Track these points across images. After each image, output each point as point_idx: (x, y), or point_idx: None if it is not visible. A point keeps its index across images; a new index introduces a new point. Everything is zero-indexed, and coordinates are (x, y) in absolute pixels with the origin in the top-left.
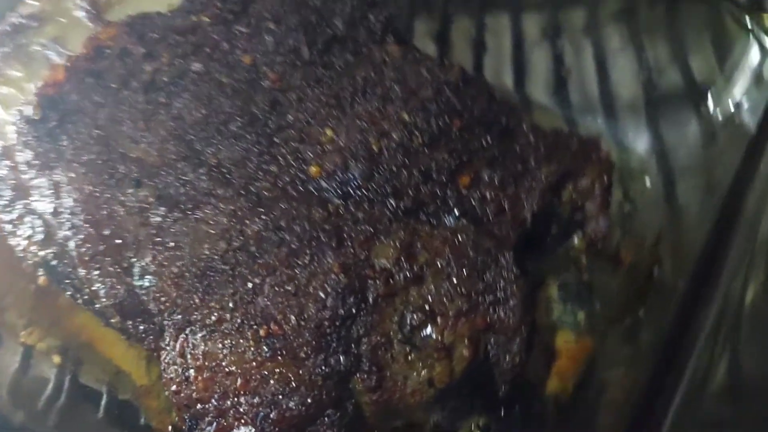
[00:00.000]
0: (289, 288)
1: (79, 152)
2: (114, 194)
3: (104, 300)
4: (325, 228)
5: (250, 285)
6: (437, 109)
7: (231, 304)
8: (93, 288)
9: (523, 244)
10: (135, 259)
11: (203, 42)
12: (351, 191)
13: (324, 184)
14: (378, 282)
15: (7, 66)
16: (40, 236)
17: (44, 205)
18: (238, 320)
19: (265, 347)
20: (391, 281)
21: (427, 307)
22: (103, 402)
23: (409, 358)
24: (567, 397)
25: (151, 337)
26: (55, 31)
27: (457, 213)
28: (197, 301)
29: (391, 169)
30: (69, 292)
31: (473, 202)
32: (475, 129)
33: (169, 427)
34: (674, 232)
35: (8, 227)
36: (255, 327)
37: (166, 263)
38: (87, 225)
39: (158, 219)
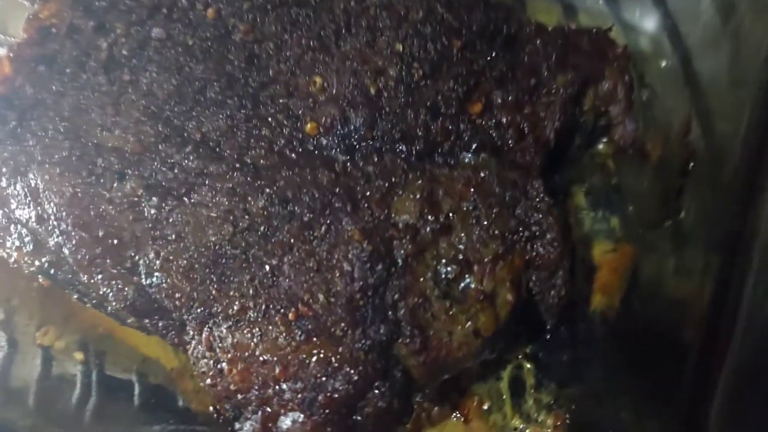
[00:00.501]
0: (311, 264)
1: (49, 151)
2: (98, 192)
3: (114, 303)
4: (335, 191)
5: (267, 267)
6: (432, 32)
7: (251, 291)
8: (100, 292)
9: (547, 164)
10: (137, 258)
11: (158, 2)
12: (355, 144)
13: (324, 141)
14: (404, 241)
15: None
16: (29, 246)
17: (25, 213)
18: (263, 306)
19: (297, 330)
20: (418, 237)
21: (460, 257)
22: (136, 391)
23: (451, 312)
24: (614, 312)
25: (173, 332)
26: None
27: (474, 147)
28: (214, 292)
29: (395, 111)
30: (75, 296)
31: (490, 131)
32: (476, 45)
33: (210, 408)
34: (704, 119)
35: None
36: (282, 311)
37: (171, 257)
38: (77, 229)
39: (152, 211)
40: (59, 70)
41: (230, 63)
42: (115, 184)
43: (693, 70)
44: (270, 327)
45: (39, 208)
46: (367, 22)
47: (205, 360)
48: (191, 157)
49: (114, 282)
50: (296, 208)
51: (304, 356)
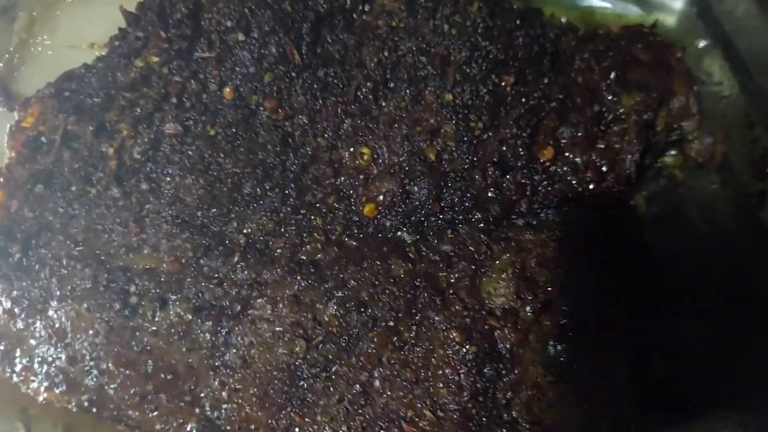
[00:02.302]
0: (407, 375)
1: (67, 282)
2: (138, 324)
3: None
4: (416, 284)
5: (357, 385)
6: (480, 72)
7: (343, 414)
8: (157, 427)
9: None
10: (198, 390)
11: (164, 91)
12: (422, 220)
13: (386, 222)
14: (506, 330)
15: None
16: (62, 386)
17: (52, 353)
18: (360, 430)
19: None
20: (519, 321)
21: (570, 334)
22: None
23: (567, 395)
24: None
25: None
26: None
27: (554, 199)
28: (297, 419)
29: (460, 174)
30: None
31: (567, 178)
32: (526, 75)
33: None
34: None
35: (15, 378)
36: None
37: (239, 386)
38: (120, 368)
39: (208, 337)
40: (61, 188)
41: (262, 148)
42: (157, 313)
43: (735, 50)
44: None
45: (69, 348)
46: (407, 74)
47: None
48: (240, 267)
49: (172, 417)
50: (376, 311)
51: None
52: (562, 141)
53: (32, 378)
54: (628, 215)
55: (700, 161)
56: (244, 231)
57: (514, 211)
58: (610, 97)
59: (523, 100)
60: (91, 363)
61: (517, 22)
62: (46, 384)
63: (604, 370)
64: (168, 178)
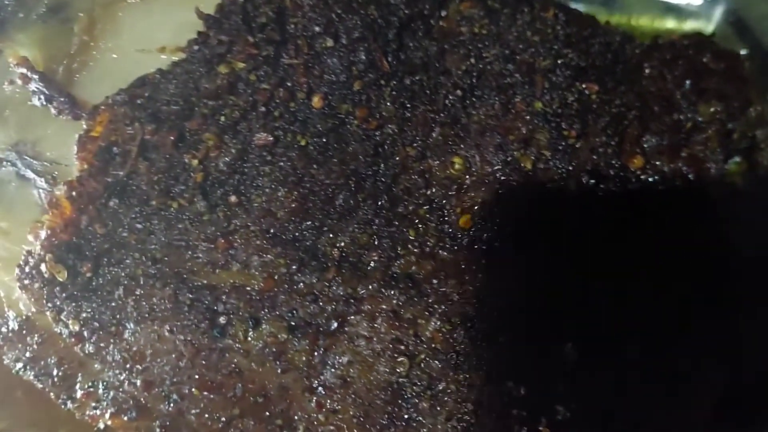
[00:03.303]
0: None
1: (144, 302)
2: (227, 344)
3: None
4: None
5: (468, 404)
6: (565, 79)
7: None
8: None
9: None
10: (292, 413)
11: (251, 99)
12: (518, 232)
13: (482, 234)
14: None
15: None
16: (131, 413)
17: (124, 379)
18: None
19: None
20: None
21: None
22: None
23: None
24: None
25: None
26: (12, 132)
27: (648, 211)
28: None
29: (558, 184)
30: None
31: (659, 187)
32: (606, 82)
33: None
34: None
35: (69, 405)
36: None
37: (339, 407)
38: (205, 392)
39: (303, 357)
40: (139, 202)
41: (354, 159)
42: (250, 332)
43: None
44: None
45: (147, 373)
46: (493, 80)
47: None
48: (335, 282)
49: None
50: (484, 326)
51: None
52: (648, 149)
53: (94, 404)
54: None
55: None
56: (338, 245)
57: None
58: (686, 106)
59: (607, 108)
60: (171, 388)
61: (590, 30)
62: (112, 410)
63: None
64: (258, 191)
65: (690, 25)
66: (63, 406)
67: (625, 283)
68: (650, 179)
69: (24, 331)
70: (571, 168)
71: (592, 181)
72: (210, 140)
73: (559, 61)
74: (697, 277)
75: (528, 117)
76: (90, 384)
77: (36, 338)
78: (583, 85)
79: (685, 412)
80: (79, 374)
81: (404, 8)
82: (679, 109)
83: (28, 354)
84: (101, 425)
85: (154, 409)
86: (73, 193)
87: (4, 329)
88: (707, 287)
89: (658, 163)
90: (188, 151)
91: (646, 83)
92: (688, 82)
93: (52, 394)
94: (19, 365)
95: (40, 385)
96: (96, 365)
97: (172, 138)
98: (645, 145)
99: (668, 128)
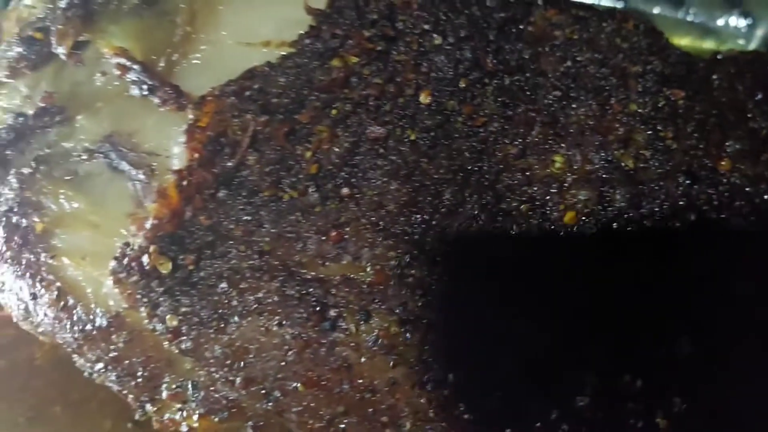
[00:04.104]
0: None
1: (249, 296)
2: (338, 338)
3: None
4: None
5: (586, 398)
6: (654, 84)
7: None
8: None
9: None
10: (398, 410)
11: (363, 92)
12: (622, 227)
13: (584, 231)
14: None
15: (52, 197)
16: (223, 414)
17: (220, 376)
18: None
19: None
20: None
21: None
22: None
23: None
24: None
25: None
26: (105, 124)
27: (743, 211)
28: None
29: (657, 183)
30: None
31: (746, 189)
32: (686, 88)
33: None
34: None
35: (149, 407)
36: None
37: (449, 403)
38: (309, 388)
39: (413, 352)
40: (248, 193)
41: (460, 154)
42: (361, 326)
43: None
44: None
45: (249, 369)
46: (588, 82)
47: None
48: (444, 279)
49: None
50: (597, 318)
51: None
52: (731, 154)
53: (179, 406)
54: None
55: None
56: (447, 240)
57: (705, 220)
58: (760, 115)
59: (691, 113)
60: (275, 384)
61: (666, 41)
62: (200, 411)
63: None
64: (370, 184)
65: (729, 47)
66: (140, 411)
67: (730, 281)
68: (737, 182)
69: (111, 329)
70: (668, 168)
71: (688, 181)
72: (323, 133)
73: (647, 67)
74: None
75: (625, 118)
76: (178, 384)
77: (123, 336)
78: (669, 91)
79: None
80: (167, 374)
81: (500, 11)
82: (753, 118)
83: (112, 353)
84: (183, 429)
85: (249, 409)
86: (184, 183)
87: (88, 327)
88: None
89: (743, 166)
90: (300, 143)
91: (717, 94)
92: (759, 93)
93: (130, 396)
94: (100, 365)
95: (118, 388)
96: (186, 365)
97: (284, 130)
98: (728, 150)
99: (746, 135)
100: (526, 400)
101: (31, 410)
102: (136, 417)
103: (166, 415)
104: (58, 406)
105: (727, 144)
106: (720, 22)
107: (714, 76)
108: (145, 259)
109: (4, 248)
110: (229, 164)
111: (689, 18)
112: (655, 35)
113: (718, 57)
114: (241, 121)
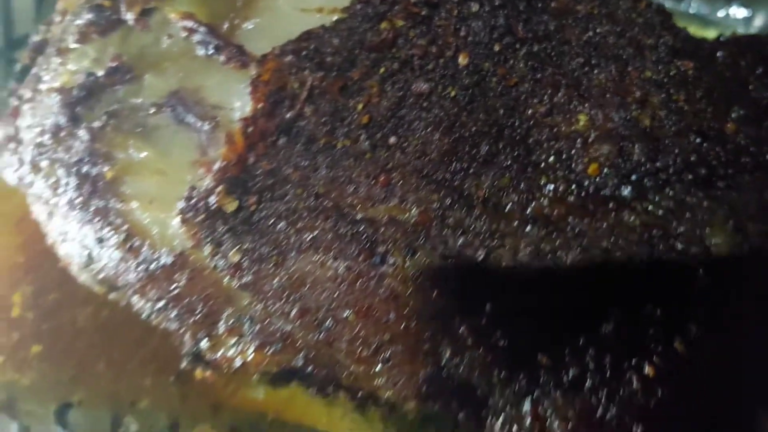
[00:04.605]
0: None
1: (306, 234)
2: (386, 271)
3: (394, 394)
4: (652, 233)
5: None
6: (666, 55)
7: (589, 355)
8: (375, 383)
9: None
10: (440, 337)
11: (409, 52)
12: (641, 179)
13: (606, 181)
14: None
15: (121, 148)
16: (277, 346)
17: (278, 307)
18: (606, 371)
19: (657, 387)
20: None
21: None
22: None
23: None
24: None
25: (469, 409)
26: (171, 82)
27: (747, 166)
28: (545, 361)
29: (671, 139)
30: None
31: (751, 149)
32: (694, 62)
33: None
34: None
35: (206, 343)
36: (634, 366)
37: (487, 331)
38: (358, 317)
39: (454, 283)
40: (306, 141)
41: (494, 111)
42: (407, 260)
43: None
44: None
45: (304, 300)
46: (607, 51)
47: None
48: (481, 219)
49: (403, 369)
50: (620, 257)
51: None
52: (736, 119)
53: (234, 340)
54: None
55: None
56: (482, 186)
57: (717, 175)
58: (761, 87)
59: (699, 82)
60: (327, 314)
61: (673, 22)
62: (255, 344)
63: None
64: (415, 134)
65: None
66: (193, 349)
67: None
68: (742, 142)
69: (175, 267)
70: (681, 127)
71: (698, 140)
72: (373, 87)
73: (660, 41)
74: None
75: (641, 83)
76: (235, 319)
77: (186, 274)
78: (680, 62)
79: None
80: (225, 310)
81: None
82: (755, 89)
83: (174, 291)
84: (237, 363)
85: (302, 340)
86: (249, 129)
87: (153, 265)
88: None
89: (746, 129)
90: (352, 96)
91: (721, 68)
92: (760, 68)
93: (187, 334)
94: (161, 304)
95: (177, 326)
96: (244, 300)
97: (338, 85)
98: (733, 115)
99: (749, 103)
100: (556, 328)
101: (74, 368)
102: (183, 364)
103: (220, 352)
104: (100, 364)
105: (732, 110)
106: (720, 13)
107: (718, 53)
108: (212, 198)
109: (75, 196)
110: (289, 115)
111: (691, 10)
112: (665, 14)
113: (721, 39)
114: (299, 77)
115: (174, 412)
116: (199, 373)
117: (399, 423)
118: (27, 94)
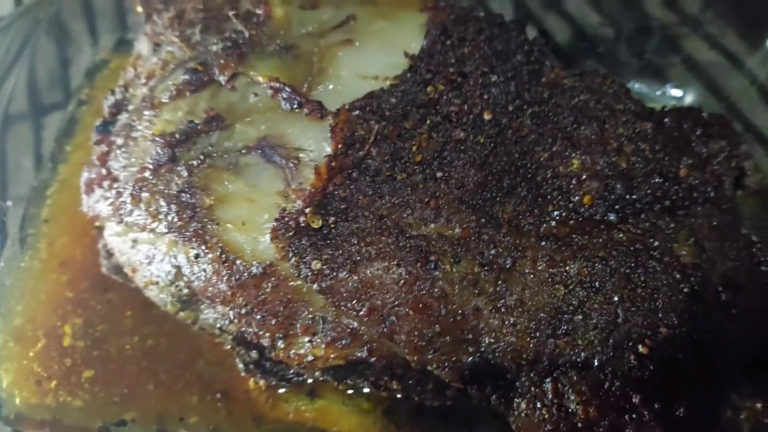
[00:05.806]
0: (642, 294)
1: (373, 247)
2: (437, 275)
3: (442, 376)
4: (634, 247)
5: (605, 316)
6: (631, 117)
7: (596, 339)
8: (427, 368)
9: None
10: (479, 328)
11: (449, 109)
12: (623, 208)
13: (598, 209)
14: (698, 275)
15: (216, 181)
16: (346, 340)
17: (349, 306)
18: (610, 348)
19: (650, 363)
20: (700, 272)
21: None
22: None
23: None
24: None
25: (500, 392)
26: (260, 129)
27: (699, 200)
28: (561, 344)
29: (643, 178)
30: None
31: (700, 187)
32: (651, 123)
33: None
34: None
35: (281, 344)
36: (632, 347)
37: (516, 322)
38: (415, 313)
39: (490, 287)
40: (373, 174)
41: (512, 155)
42: (454, 267)
43: None
44: (622, 362)
45: (373, 299)
46: (592, 114)
47: (546, 408)
48: (508, 237)
49: (450, 354)
50: (611, 262)
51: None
52: (686, 165)
53: (309, 338)
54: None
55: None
56: (507, 211)
57: (677, 206)
58: (700, 143)
59: (659, 140)
60: (391, 310)
61: (631, 93)
62: (327, 340)
63: None
64: (456, 170)
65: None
66: (269, 351)
67: (701, 240)
68: (694, 182)
69: (264, 276)
70: (648, 170)
71: (661, 179)
72: (422, 134)
73: (626, 106)
74: None
75: (616, 137)
76: (311, 318)
77: (272, 282)
78: (641, 123)
79: None
80: (302, 312)
81: (520, 59)
82: (697, 145)
83: (260, 297)
84: (309, 358)
85: (366, 334)
86: (332, 164)
87: (245, 275)
88: None
89: (695, 174)
90: (407, 141)
91: (669, 130)
92: (699, 129)
93: (266, 335)
94: (246, 309)
95: (256, 330)
96: (320, 302)
97: (396, 132)
98: (684, 163)
99: (693, 155)
100: (564, 319)
101: (125, 389)
102: (242, 373)
103: (293, 351)
104: (149, 385)
105: (682, 159)
106: (658, 92)
107: (665, 119)
108: (301, 218)
109: (175, 220)
110: (359, 154)
111: (635, 88)
112: (625, 88)
113: (665, 109)
114: (366, 126)
115: (220, 425)
116: (252, 383)
117: (423, 424)
118: (119, 140)
